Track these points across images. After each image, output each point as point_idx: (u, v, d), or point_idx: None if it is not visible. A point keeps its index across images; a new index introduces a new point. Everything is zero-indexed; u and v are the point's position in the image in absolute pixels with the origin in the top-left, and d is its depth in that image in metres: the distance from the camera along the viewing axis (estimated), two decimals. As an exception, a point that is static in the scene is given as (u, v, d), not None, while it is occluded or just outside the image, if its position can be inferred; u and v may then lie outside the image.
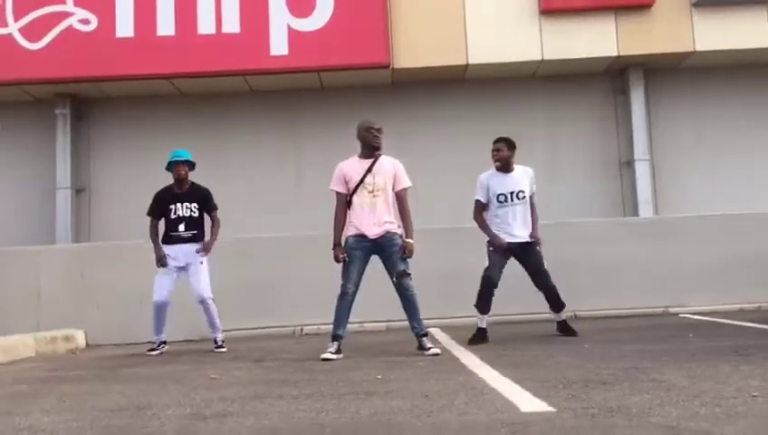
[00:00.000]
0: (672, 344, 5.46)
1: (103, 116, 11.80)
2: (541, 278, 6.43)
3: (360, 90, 11.43)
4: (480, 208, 6.47)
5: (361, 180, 5.56)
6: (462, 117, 11.60)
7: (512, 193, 6.36)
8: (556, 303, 6.50)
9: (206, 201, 6.89)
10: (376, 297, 8.05)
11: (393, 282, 5.61)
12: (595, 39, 10.93)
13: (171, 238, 6.75)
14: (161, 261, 6.68)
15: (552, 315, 6.67)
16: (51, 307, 8.24)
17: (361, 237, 5.56)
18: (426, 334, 5.64)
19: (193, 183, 6.96)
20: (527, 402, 3.30)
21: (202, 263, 6.75)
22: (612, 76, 11.67)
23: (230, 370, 5.14)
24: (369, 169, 5.60)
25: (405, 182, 5.72)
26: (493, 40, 10.87)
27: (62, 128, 11.44)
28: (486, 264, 6.35)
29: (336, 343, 5.54)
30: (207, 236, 6.84)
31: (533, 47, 10.94)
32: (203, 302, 6.70)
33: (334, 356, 5.39)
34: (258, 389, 4.12)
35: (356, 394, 3.76)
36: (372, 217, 5.55)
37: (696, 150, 11.60)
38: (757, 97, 11.59)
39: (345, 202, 5.67)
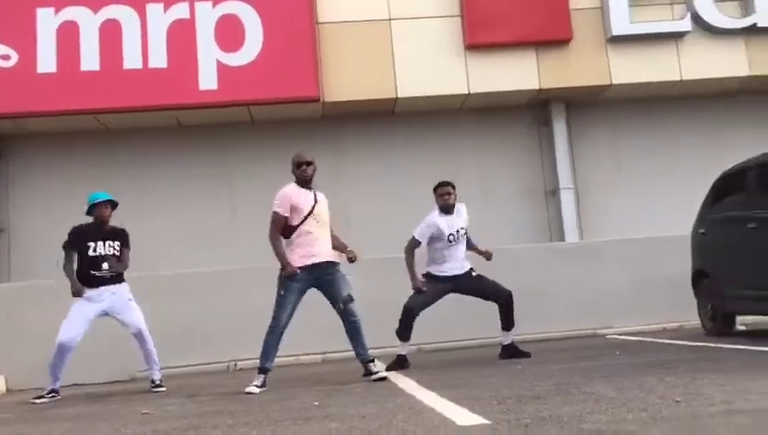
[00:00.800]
0: (600, 362, 5.63)
1: (24, 154, 11.46)
2: (501, 295, 6.61)
3: (290, 123, 11.49)
4: (413, 247, 6.59)
5: (311, 211, 5.60)
6: (393, 148, 11.80)
7: (457, 231, 6.58)
8: (508, 319, 6.64)
9: (126, 240, 6.55)
10: (311, 329, 8.03)
11: (338, 309, 5.60)
12: (517, 73, 11.34)
13: (93, 279, 6.27)
14: (80, 293, 6.23)
15: (500, 337, 6.74)
16: (20, 345, 7.85)
17: (308, 270, 5.52)
18: (372, 360, 5.68)
19: (112, 226, 6.58)
20: (464, 417, 3.35)
21: (131, 299, 6.50)
22: (535, 108, 12.10)
23: (162, 405, 5.01)
24: (315, 200, 5.68)
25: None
26: (420, 74, 11.13)
27: (-20, 166, 11.04)
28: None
29: (263, 376, 5.47)
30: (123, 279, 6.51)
31: (460, 81, 11.26)
32: (139, 334, 6.40)
33: (258, 390, 5.30)
34: (192, 421, 4.04)
35: (293, 420, 3.73)
36: (326, 245, 5.65)
37: (616, 178, 12.10)
38: (670, 127, 12.22)
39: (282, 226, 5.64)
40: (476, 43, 11.27)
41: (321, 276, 5.58)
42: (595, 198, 12.00)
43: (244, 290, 8.20)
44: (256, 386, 5.34)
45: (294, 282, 5.49)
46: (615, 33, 11.30)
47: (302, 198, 5.66)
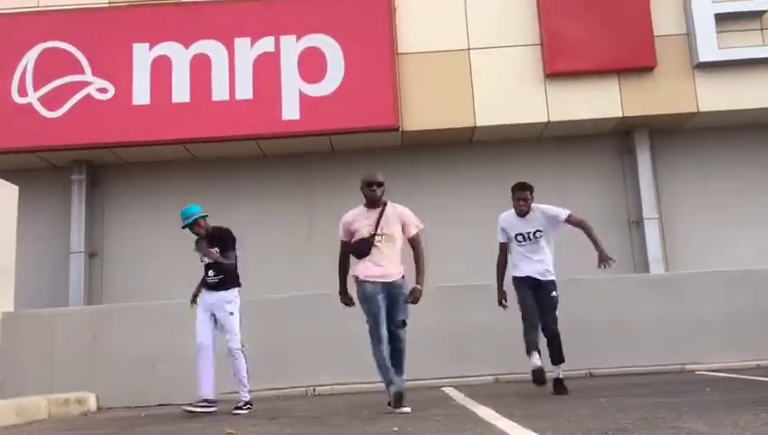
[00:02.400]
0: (690, 397, 5.41)
1: (117, 181, 12.02)
2: (546, 326, 6.37)
3: (370, 152, 11.64)
4: (500, 252, 6.60)
5: (376, 229, 5.64)
6: (471, 178, 11.77)
7: (528, 233, 6.51)
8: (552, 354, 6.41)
9: (222, 241, 6.76)
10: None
11: (390, 329, 5.56)
12: (599, 101, 11.16)
13: (206, 284, 6.77)
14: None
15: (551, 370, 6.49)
16: (63, 369, 8.24)
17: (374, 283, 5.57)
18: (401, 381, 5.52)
19: (214, 227, 6.91)
20: (547, 448, 3.28)
21: (231, 314, 6.64)
22: (618, 136, 11.87)
23: (245, 426, 5.11)
24: (378, 220, 5.68)
25: (414, 226, 5.80)
26: (499, 103, 11.12)
27: (77, 193, 11.64)
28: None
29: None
30: (234, 286, 6.75)
31: (539, 109, 11.17)
32: (230, 353, 6.57)
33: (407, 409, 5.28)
34: (275, 441, 4.11)
35: (374, 444, 3.74)
36: (383, 265, 5.61)
37: (702, 209, 11.67)
38: (760, 155, 11.73)
39: (347, 252, 5.72)
40: (556, 72, 11.18)
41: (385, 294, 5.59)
42: (681, 228, 11.61)
43: (323, 315, 8.30)
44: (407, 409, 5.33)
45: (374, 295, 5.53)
46: (702, 59, 11.00)
47: (359, 219, 5.72)
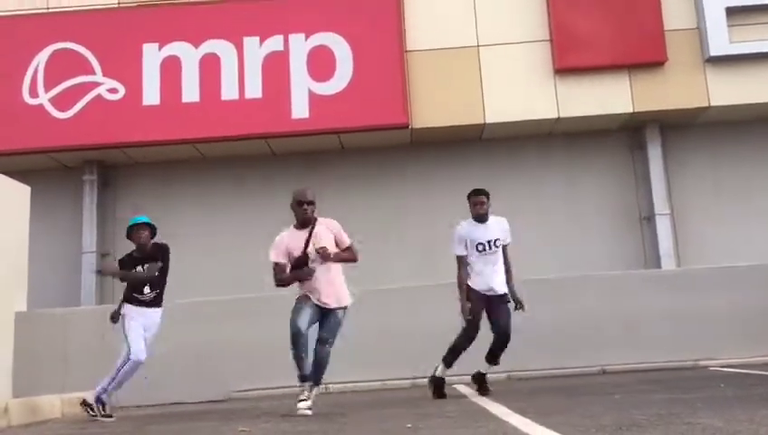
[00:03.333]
0: (704, 393, 5.37)
1: (128, 181, 12.08)
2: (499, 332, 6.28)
3: (379, 150, 11.65)
4: (459, 263, 6.39)
5: (305, 249, 5.51)
6: (481, 174, 11.70)
7: (489, 242, 6.33)
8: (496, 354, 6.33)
9: (163, 255, 6.58)
10: (400, 355, 8.06)
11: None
12: (610, 97, 11.13)
13: (138, 301, 6.50)
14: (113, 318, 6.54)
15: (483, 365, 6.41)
16: (76, 368, 8.28)
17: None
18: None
19: (154, 243, 6.70)
20: (561, 444, 3.27)
21: (154, 335, 6.56)
22: (629, 132, 11.82)
23: (258, 423, 5.12)
24: (306, 242, 5.53)
25: (347, 240, 5.69)
26: (509, 99, 11.10)
27: (88, 193, 11.72)
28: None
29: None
30: (162, 301, 6.60)
31: (549, 105, 11.14)
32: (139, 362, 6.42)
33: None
34: (288, 439, 4.11)
35: (387, 441, 3.73)
36: (328, 287, 5.56)
37: (714, 204, 11.62)
38: (774, 149, 11.66)
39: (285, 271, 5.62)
40: (566, 67, 11.15)
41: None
42: (692, 224, 11.55)
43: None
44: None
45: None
46: (713, 53, 10.94)
47: (294, 240, 5.58)
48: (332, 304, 5.59)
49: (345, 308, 5.67)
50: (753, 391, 5.28)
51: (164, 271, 6.60)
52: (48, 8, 11.72)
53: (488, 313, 6.31)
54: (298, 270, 5.57)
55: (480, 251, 6.32)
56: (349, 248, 5.68)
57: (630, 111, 11.12)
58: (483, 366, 6.39)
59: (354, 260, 5.70)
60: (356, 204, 11.53)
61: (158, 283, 6.57)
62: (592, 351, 8.17)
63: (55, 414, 7.03)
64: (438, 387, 6.28)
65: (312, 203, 5.66)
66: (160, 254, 6.59)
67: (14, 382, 8.10)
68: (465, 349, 6.26)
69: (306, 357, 5.48)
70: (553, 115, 11.15)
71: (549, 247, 11.29)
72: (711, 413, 4.03)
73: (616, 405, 4.86)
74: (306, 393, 5.45)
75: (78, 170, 11.77)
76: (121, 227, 11.84)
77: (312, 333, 5.58)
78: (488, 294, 6.28)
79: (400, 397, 6.83)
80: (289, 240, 5.64)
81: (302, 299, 5.59)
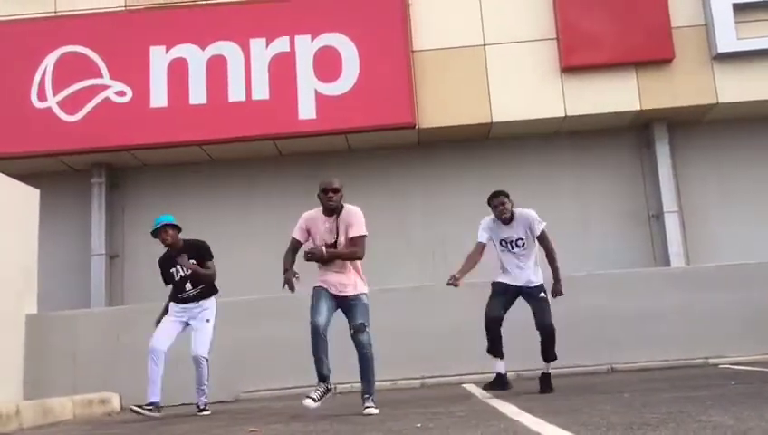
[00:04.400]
0: (715, 391, 5.35)
1: (137, 183, 12.13)
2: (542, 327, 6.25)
3: (386, 150, 11.67)
4: (478, 248, 6.38)
5: (335, 241, 5.43)
6: (488, 174, 11.72)
7: (512, 241, 6.31)
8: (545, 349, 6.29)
9: (199, 253, 6.69)
10: (410, 355, 8.06)
11: (351, 334, 5.47)
12: (617, 94, 11.10)
13: (181, 300, 6.65)
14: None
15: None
16: (86, 370, 8.32)
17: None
18: (370, 395, 5.41)
19: (185, 240, 6.79)
20: (572, 443, 3.27)
21: (208, 321, 6.63)
22: (637, 130, 11.79)
23: (268, 424, 5.13)
24: (336, 231, 5.46)
25: (357, 231, 5.52)
26: (516, 98, 11.09)
27: (97, 196, 11.77)
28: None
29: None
30: (212, 294, 6.70)
31: (556, 104, 11.12)
32: (196, 361, 6.54)
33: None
34: (298, 439, 4.12)
35: (397, 441, 3.74)
36: (340, 277, 5.49)
37: (724, 201, 11.58)
38: (784, 146, 11.61)
39: (296, 249, 5.57)
40: (573, 65, 11.13)
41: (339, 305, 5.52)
42: (701, 221, 11.51)
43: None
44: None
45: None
46: (721, 50, 10.90)
47: (317, 224, 5.51)
48: (351, 292, 5.49)
49: (365, 294, 5.55)
50: (763, 389, 5.26)
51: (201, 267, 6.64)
52: (56, 12, 11.79)
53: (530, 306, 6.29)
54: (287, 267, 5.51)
55: (503, 247, 6.33)
56: (352, 242, 5.49)
57: (638, 108, 11.09)
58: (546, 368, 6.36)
59: (352, 257, 5.51)
60: (363, 204, 11.38)
61: (196, 280, 6.62)
62: (602, 349, 8.16)
63: (67, 416, 7.06)
64: (497, 383, 6.21)
65: (336, 191, 5.50)
66: (194, 251, 6.66)
67: (25, 385, 8.16)
68: (493, 335, 6.20)
69: (325, 358, 5.41)
70: (560, 114, 11.13)
71: (558, 245, 11.23)
72: (721, 411, 4.01)
73: (626, 404, 4.85)
74: (317, 393, 5.38)
75: (86, 173, 11.83)
76: (130, 228, 12.01)
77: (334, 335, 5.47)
78: (515, 284, 6.26)
79: (410, 397, 6.83)
80: (312, 220, 5.55)
81: (318, 290, 5.49)
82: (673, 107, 11.13)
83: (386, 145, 11.66)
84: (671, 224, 11.27)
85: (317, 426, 4.76)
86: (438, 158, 11.82)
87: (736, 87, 11.00)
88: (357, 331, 5.39)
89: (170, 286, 6.78)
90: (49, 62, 11.32)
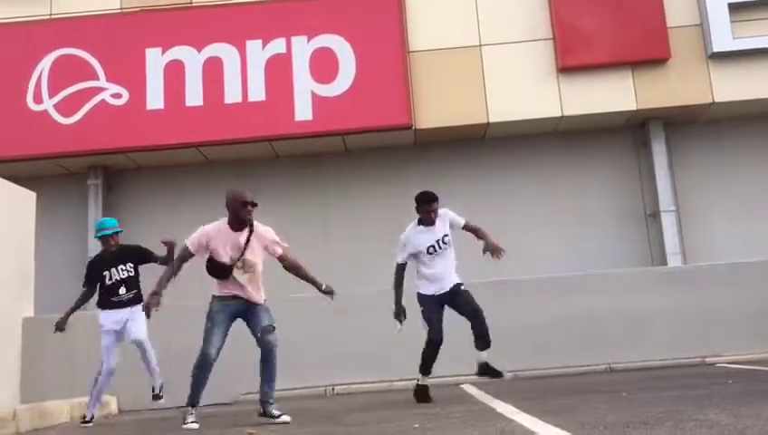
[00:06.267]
0: (712, 390, 5.36)
1: (133, 186, 12.11)
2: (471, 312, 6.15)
3: (383, 151, 11.66)
4: (400, 270, 6.32)
5: (240, 257, 5.34)
6: (485, 174, 11.75)
7: (437, 242, 6.23)
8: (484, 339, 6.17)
9: (144, 255, 6.76)
10: (405, 356, 8.04)
11: (256, 338, 5.43)
12: (613, 94, 11.11)
13: (113, 304, 6.62)
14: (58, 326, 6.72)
15: (475, 354, 6.31)
16: (83, 373, 8.28)
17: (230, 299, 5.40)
18: (272, 402, 5.36)
19: (121, 245, 6.84)
20: (569, 442, 3.27)
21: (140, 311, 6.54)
22: (633, 129, 11.80)
23: (266, 426, 5.13)
24: (243, 247, 5.36)
25: (278, 244, 5.51)
26: (512, 98, 11.09)
27: (93, 198, 11.74)
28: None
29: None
30: (141, 299, 6.61)
31: (553, 104, 11.13)
32: (137, 344, 6.57)
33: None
34: (295, 440, 4.12)
35: (394, 442, 3.74)
36: (248, 293, 5.41)
37: (720, 200, 11.59)
38: (778, 145, 11.63)
39: (184, 259, 5.50)
40: (569, 66, 11.13)
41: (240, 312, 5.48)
42: (698, 220, 11.52)
43: (340, 314, 8.30)
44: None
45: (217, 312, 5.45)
46: (717, 49, 10.92)
47: (224, 239, 5.37)
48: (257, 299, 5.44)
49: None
50: (760, 388, 5.26)
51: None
52: (51, 15, 11.77)
53: (453, 306, 6.19)
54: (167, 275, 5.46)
55: (431, 253, 6.21)
56: (295, 265, 5.56)
57: (634, 108, 11.10)
58: (482, 357, 6.26)
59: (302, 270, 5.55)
60: (360, 205, 11.55)
61: (130, 284, 6.67)
62: (599, 349, 8.17)
63: (63, 419, 7.06)
64: (421, 392, 6.16)
65: (255, 205, 5.41)
66: (135, 254, 6.78)
67: (22, 388, 8.13)
68: (434, 358, 6.15)
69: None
70: (557, 114, 11.14)
71: (554, 246, 11.29)
72: (719, 410, 4.02)
73: (623, 403, 4.85)
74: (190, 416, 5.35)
75: (83, 175, 11.80)
76: (126, 231, 11.90)
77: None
78: (441, 293, 6.17)
79: (407, 398, 6.82)
80: (215, 234, 5.38)
81: (216, 313, 5.39)
82: (669, 106, 11.14)
83: (382, 146, 11.65)
84: (668, 223, 11.28)
85: (314, 428, 4.76)
86: (435, 158, 11.82)
87: (732, 86, 11.01)
88: (267, 332, 5.40)
89: (87, 289, 6.80)
90: (45, 64, 11.29)
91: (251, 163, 11.82)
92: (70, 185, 11.87)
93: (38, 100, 11.21)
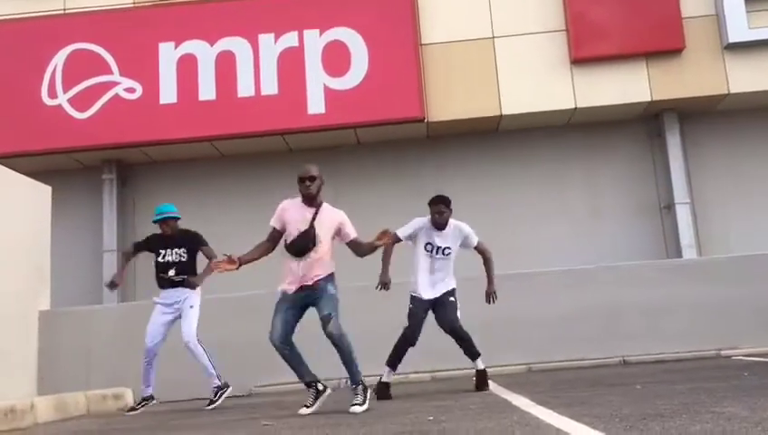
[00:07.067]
0: (728, 383, 5.33)
1: (147, 180, 12.18)
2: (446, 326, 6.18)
3: (396, 144, 11.66)
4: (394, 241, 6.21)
5: (305, 232, 5.34)
6: (498, 167, 11.73)
7: (439, 248, 6.19)
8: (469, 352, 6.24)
9: (196, 242, 6.89)
10: (421, 349, 8.03)
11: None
12: (627, 85, 11.04)
13: (162, 281, 6.84)
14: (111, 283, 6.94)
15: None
16: (99, 365, 8.37)
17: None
18: (353, 387, 5.34)
19: (180, 230, 6.99)
20: (585, 434, 3.26)
21: (192, 307, 6.76)
22: (647, 121, 11.72)
23: (281, 417, 5.15)
24: (311, 221, 5.37)
25: (351, 234, 5.51)
26: (525, 90, 11.05)
27: (108, 192, 11.82)
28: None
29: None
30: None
31: (566, 96, 11.07)
32: (187, 348, 6.69)
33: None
34: (312, 432, 4.13)
35: (410, 433, 3.74)
36: (309, 272, 5.38)
37: (735, 192, 11.51)
38: (796, 136, 11.52)
39: (275, 238, 5.50)
40: (583, 57, 11.07)
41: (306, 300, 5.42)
42: (713, 212, 11.45)
43: (354, 307, 8.30)
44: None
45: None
46: (732, 40, 10.82)
47: (295, 215, 5.40)
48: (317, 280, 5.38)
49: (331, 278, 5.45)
50: (777, 380, 5.23)
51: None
52: (65, 9, 11.83)
53: (434, 312, 6.21)
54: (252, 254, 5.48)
55: (428, 251, 6.20)
56: (357, 242, 5.51)
57: (648, 99, 11.03)
58: (478, 365, 6.31)
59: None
60: (373, 198, 11.54)
61: (182, 270, 6.82)
62: (613, 341, 8.14)
63: (81, 411, 7.12)
64: (382, 390, 6.15)
65: (313, 179, 5.42)
66: (189, 240, 6.91)
67: (39, 380, 8.22)
68: (403, 354, 6.18)
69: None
70: (570, 106, 11.08)
71: (568, 238, 11.25)
72: (735, 402, 4.00)
73: (638, 395, 4.84)
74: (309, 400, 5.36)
75: (97, 170, 11.89)
76: (141, 224, 12.03)
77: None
78: (432, 298, 6.18)
79: (421, 390, 6.84)
80: (290, 207, 5.46)
81: (280, 303, 5.41)
82: (684, 97, 11.06)
83: (395, 139, 11.65)
84: (682, 215, 11.22)
85: (329, 419, 4.77)
86: (448, 151, 11.80)
87: (748, 77, 10.91)
88: (327, 320, 5.33)
89: (134, 248, 7.14)
90: (59, 59, 11.37)
91: (264, 157, 11.85)
92: (84, 179, 11.96)
93: (52, 94, 11.29)
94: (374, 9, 11.35)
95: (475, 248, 6.37)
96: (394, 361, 6.21)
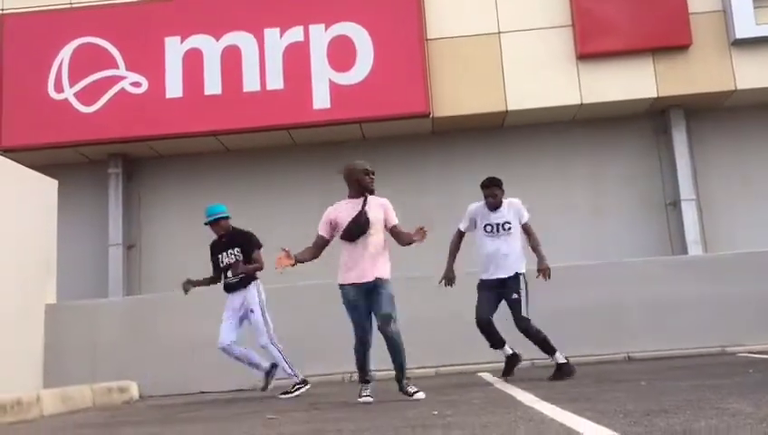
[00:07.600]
0: (732, 379, 5.33)
1: (153, 174, 12.21)
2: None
3: (401, 139, 11.65)
4: (459, 235, 6.55)
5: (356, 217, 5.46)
6: (503, 162, 11.66)
7: (497, 224, 6.35)
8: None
9: (247, 242, 6.94)
10: (425, 344, 8.07)
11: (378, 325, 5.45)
12: (633, 81, 11.01)
13: (226, 286, 6.91)
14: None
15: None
16: (105, 359, 8.41)
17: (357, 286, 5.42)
18: (403, 382, 5.49)
19: (234, 229, 7.04)
20: (590, 429, 3.26)
21: (252, 311, 6.80)
22: (653, 117, 11.69)
23: (286, 411, 5.18)
24: (363, 205, 5.50)
25: (393, 220, 5.64)
26: (531, 86, 11.02)
27: (113, 186, 11.86)
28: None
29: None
30: (251, 281, 6.85)
31: (572, 92, 11.05)
32: (264, 348, 6.79)
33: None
34: (316, 425, 4.15)
35: (413, 428, 3.75)
36: (369, 260, 5.44)
37: (742, 189, 11.48)
38: (802, 133, 11.47)
39: (321, 246, 5.58)
40: (589, 53, 11.04)
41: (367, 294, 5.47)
42: (719, 209, 11.42)
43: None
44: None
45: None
46: (739, 35, 10.78)
47: (346, 210, 5.51)
48: (371, 278, 5.43)
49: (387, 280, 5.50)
50: (782, 377, 5.22)
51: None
52: (71, 4, 11.85)
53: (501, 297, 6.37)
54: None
55: (489, 232, 6.37)
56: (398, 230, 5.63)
57: (655, 95, 10.99)
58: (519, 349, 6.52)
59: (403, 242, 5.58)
60: (378, 193, 11.51)
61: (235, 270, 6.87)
62: (618, 338, 8.14)
63: (86, 404, 7.15)
64: (511, 363, 6.45)
65: (374, 173, 5.68)
66: (240, 240, 6.94)
67: (45, 373, 8.26)
68: (489, 334, 6.38)
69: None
70: (576, 101, 11.06)
71: (574, 234, 11.24)
72: (740, 399, 4.00)
73: (643, 392, 4.84)
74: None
75: (103, 164, 11.92)
76: (147, 218, 12.09)
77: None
78: (496, 278, 6.32)
79: (426, 385, 6.84)
80: (337, 211, 5.57)
81: (344, 303, 5.52)
82: (690, 94, 11.03)
83: (400, 134, 11.64)
84: (688, 212, 11.19)
85: (335, 413, 4.79)
86: (453, 146, 11.80)
87: (755, 73, 10.87)
88: (385, 322, 5.39)
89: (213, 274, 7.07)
90: (65, 53, 11.39)
91: (269, 151, 11.87)
92: (90, 173, 12.00)
93: (59, 88, 11.32)
94: (380, 4, 11.34)
95: (523, 226, 6.46)
96: (492, 345, 6.41)
